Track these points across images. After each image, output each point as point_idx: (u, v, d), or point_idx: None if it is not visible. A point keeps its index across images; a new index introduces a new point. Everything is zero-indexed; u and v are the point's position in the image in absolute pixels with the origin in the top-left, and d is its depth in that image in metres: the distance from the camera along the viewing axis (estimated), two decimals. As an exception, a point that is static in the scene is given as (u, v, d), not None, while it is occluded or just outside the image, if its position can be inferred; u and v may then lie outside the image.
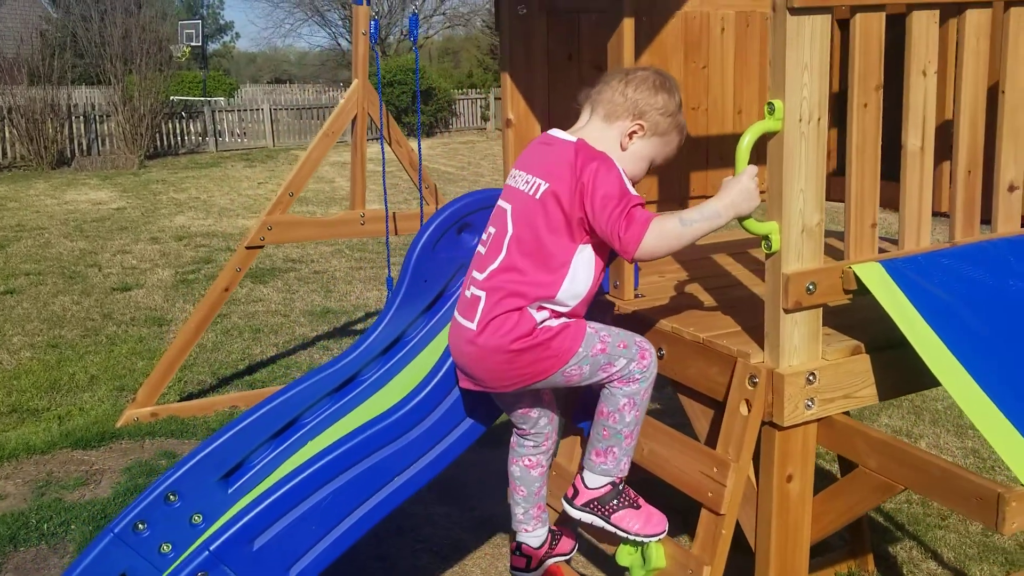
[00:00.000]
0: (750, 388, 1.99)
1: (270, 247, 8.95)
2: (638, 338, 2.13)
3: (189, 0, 53.24)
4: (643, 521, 2.13)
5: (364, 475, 2.28)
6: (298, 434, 2.62)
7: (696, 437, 2.25)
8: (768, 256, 1.95)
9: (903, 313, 1.94)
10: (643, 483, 2.28)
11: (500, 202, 2.16)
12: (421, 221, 5.09)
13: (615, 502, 2.13)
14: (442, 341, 2.66)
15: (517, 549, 2.40)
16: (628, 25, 2.28)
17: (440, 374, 2.34)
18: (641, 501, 2.16)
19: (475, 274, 2.12)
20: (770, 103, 1.86)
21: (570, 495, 2.18)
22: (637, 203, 1.94)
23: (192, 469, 2.46)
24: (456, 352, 2.15)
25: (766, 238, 1.93)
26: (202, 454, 2.48)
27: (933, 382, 2.02)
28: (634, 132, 2.07)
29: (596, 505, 2.14)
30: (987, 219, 2.25)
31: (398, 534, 4.09)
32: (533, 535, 2.38)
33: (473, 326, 2.05)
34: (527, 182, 2.08)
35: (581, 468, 2.19)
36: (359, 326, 7.17)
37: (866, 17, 1.90)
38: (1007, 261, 2.10)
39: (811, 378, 1.98)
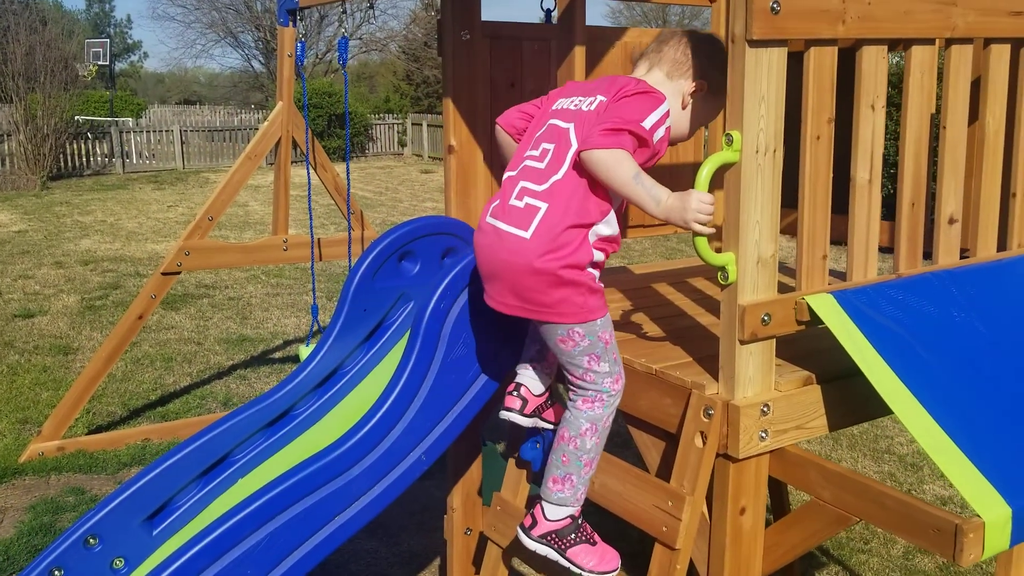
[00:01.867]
0: (705, 420, 1.97)
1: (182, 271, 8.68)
2: (622, 365, 2.12)
3: (96, 18, 51.77)
4: (598, 558, 2.07)
5: (303, 515, 2.17)
6: (228, 471, 2.49)
7: (646, 469, 2.22)
8: (724, 287, 1.93)
9: (855, 344, 1.95)
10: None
11: (555, 122, 2.11)
12: (349, 247, 4.99)
13: (572, 536, 2.07)
14: (384, 373, 2.57)
15: (516, 390, 2.27)
16: (580, 53, 2.27)
17: (383, 409, 2.25)
18: (597, 537, 2.11)
19: (529, 185, 2.05)
20: (728, 134, 1.85)
21: (527, 524, 2.11)
22: (641, 134, 1.96)
23: (115, 510, 2.30)
24: (490, 259, 2.07)
25: (722, 269, 1.91)
26: (126, 494, 2.33)
27: (881, 412, 2.04)
28: (696, 91, 2.13)
29: (553, 538, 2.08)
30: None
31: (323, 570, 3.94)
32: (537, 377, 2.27)
33: (527, 234, 1.99)
34: (588, 101, 2.08)
35: (538, 499, 2.13)
36: (277, 354, 6.97)
37: (820, 51, 1.92)
38: (950, 292, 2.14)
39: (765, 409, 1.96)
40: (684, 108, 2.15)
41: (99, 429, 5.36)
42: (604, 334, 2.05)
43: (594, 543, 2.09)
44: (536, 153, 2.10)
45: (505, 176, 2.15)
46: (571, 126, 2.07)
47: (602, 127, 1.95)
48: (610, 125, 1.95)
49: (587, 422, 2.06)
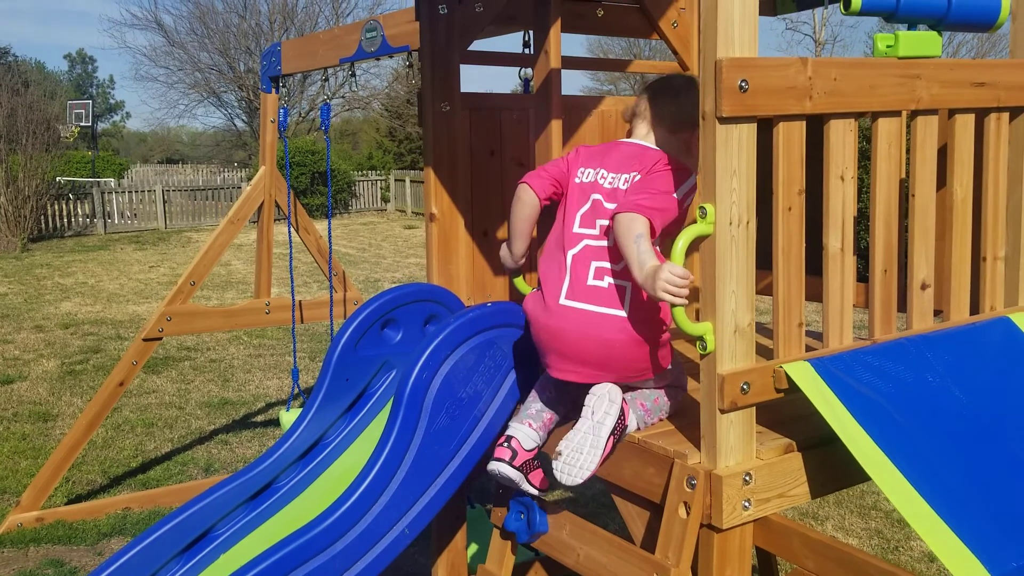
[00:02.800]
0: (688, 490, 1.98)
1: (164, 334, 8.62)
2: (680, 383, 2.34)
3: (79, 79, 52.10)
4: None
5: (287, 592, 2.15)
6: (210, 547, 2.47)
7: (631, 539, 2.21)
8: (703, 356, 1.96)
9: (832, 410, 1.97)
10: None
11: (598, 197, 2.24)
12: (331, 310, 4.99)
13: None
14: (367, 443, 2.57)
15: (507, 441, 2.29)
16: (556, 126, 2.32)
17: (366, 482, 2.24)
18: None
19: (605, 264, 2.17)
20: (702, 207, 1.89)
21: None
22: (670, 206, 2.13)
23: (94, 591, 2.27)
24: (578, 340, 2.16)
25: (700, 339, 1.94)
26: (105, 573, 2.30)
27: (861, 478, 2.05)
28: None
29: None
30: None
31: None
32: (530, 434, 2.29)
33: (624, 312, 2.12)
34: (624, 179, 2.22)
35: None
36: (259, 417, 6.91)
37: (788, 126, 1.97)
38: (924, 357, 2.17)
39: (747, 478, 1.97)
40: (692, 155, 2.25)
41: (79, 498, 5.28)
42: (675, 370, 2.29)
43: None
44: (595, 232, 2.22)
45: (567, 254, 2.23)
46: (614, 206, 2.20)
47: (638, 196, 2.11)
48: (645, 196, 2.11)
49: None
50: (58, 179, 20.17)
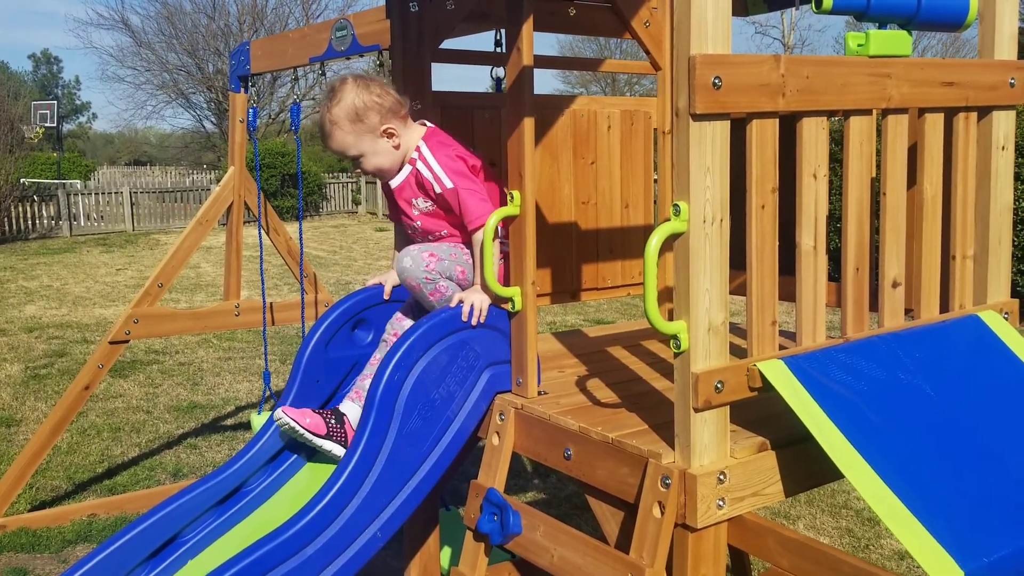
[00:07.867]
0: (663, 489, 1.96)
1: (132, 338, 8.47)
2: None
3: (44, 80, 51.35)
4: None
5: (256, 598, 2.11)
6: (177, 552, 2.42)
7: (605, 540, 2.20)
8: (677, 355, 1.95)
9: (806, 409, 1.96)
10: None
11: None
12: (302, 312, 4.94)
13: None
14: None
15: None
16: (528, 124, 2.30)
17: (337, 485, 2.21)
18: None
19: None
20: (675, 205, 1.88)
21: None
22: None
23: (57, 599, 2.21)
24: None
25: (675, 337, 1.93)
26: (69, 581, 2.24)
27: (835, 475, 2.05)
28: None
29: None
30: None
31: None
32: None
33: None
34: None
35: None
36: (229, 421, 6.82)
37: (762, 123, 1.97)
38: (896, 355, 2.18)
39: (722, 477, 1.96)
40: None
41: (43, 505, 5.17)
42: None
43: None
44: None
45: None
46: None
47: None
48: None
49: None
50: (22, 181, 19.87)
